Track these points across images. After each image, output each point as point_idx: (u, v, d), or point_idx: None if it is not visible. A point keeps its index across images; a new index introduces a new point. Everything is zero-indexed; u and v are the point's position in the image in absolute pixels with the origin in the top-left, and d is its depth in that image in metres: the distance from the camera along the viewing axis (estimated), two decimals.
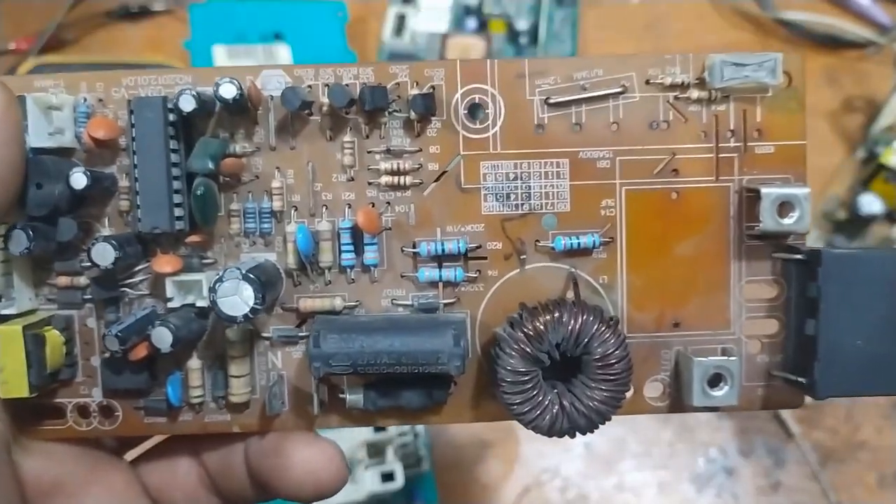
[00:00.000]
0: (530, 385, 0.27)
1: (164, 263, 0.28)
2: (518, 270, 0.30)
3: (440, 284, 0.29)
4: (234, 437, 0.31)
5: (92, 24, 0.69)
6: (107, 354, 0.29)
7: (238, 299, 0.26)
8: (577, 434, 0.28)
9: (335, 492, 0.30)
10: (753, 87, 0.29)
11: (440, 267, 0.29)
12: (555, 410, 0.28)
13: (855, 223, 0.60)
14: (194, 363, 0.29)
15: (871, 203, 0.59)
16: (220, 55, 0.62)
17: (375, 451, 0.55)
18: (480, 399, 0.30)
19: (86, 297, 0.29)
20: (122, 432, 0.30)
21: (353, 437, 0.55)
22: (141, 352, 0.28)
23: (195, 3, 0.64)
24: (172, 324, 0.27)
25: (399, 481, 0.53)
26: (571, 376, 0.28)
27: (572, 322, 0.27)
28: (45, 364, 0.27)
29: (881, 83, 0.64)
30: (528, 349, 0.27)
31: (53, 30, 0.66)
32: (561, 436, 0.28)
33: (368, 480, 0.52)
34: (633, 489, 0.57)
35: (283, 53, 0.63)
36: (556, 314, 0.27)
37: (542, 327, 0.27)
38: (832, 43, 0.66)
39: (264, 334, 0.30)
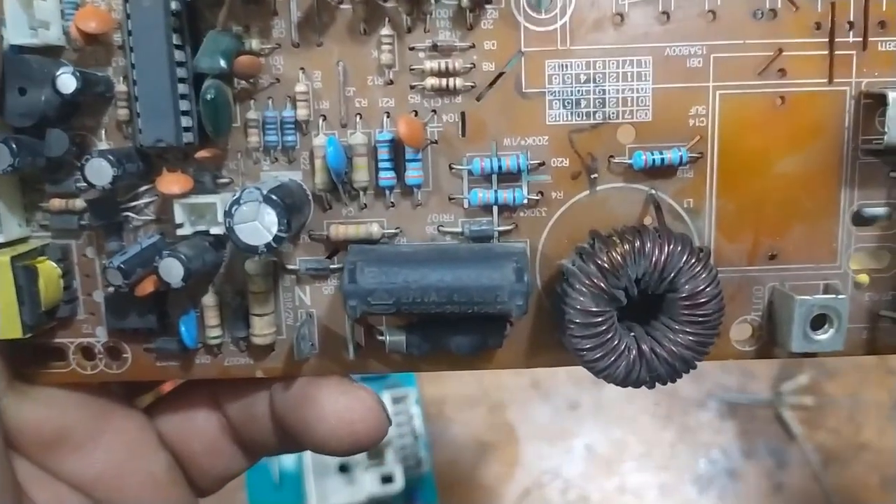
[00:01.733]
0: (604, 327, 0.23)
1: (171, 183, 0.23)
2: (587, 192, 0.25)
3: (495, 208, 0.25)
4: (258, 383, 0.27)
5: None
6: (110, 289, 0.25)
7: (259, 225, 0.22)
8: (657, 384, 0.24)
9: (374, 444, 0.26)
10: None
11: (495, 188, 0.25)
12: (632, 357, 0.23)
13: None
14: (210, 300, 0.25)
15: None
16: None
17: (375, 452, 0.54)
18: (538, 343, 0.26)
19: (83, 223, 0.25)
20: (132, 376, 0.26)
21: None
22: (148, 286, 0.24)
23: None
24: (183, 254, 0.23)
25: (399, 483, 0.52)
26: (651, 318, 0.24)
27: (656, 253, 0.23)
28: (39, 300, 0.24)
29: None
30: (602, 285, 0.23)
31: None
32: (638, 385, 0.24)
33: (368, 483, 0.52)
34: (635, 491, 0.57)
35: None
36: (637, 243, 0.23)
37: (619, 259, 0.23)
38: None
39: (290, 267, 0.25)
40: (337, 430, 0.25)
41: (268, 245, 0.22)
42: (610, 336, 0.23)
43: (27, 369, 0.26)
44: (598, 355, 0.23)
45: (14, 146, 0.22)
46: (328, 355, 0.26)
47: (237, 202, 0.22)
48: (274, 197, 0.22)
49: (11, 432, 0.25)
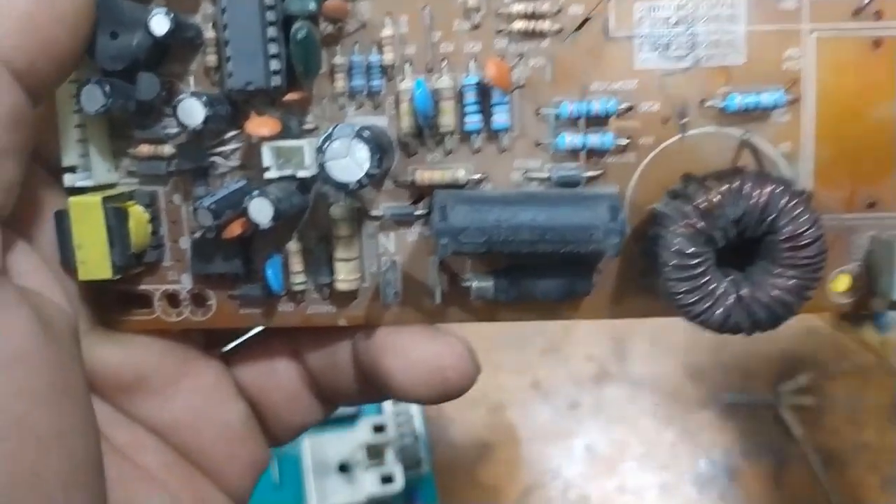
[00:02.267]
0: (701, 269, 0.22)
1: (260, 125, 0.23)
2: (678, 137, 0.24)
3: (582, 153, 0.24)
4: (339, 332, 0.27)
5: None
6: (196, 235, 0.25)
7: (351, 162, 0.22)
8: (756, 330, 0.23)
9: (464, 391, 0.26)
10: None
11: (584, 132, 0.24)
12: (729, 301, 0.23)
13: None
14: (294, 245, 0.25)
15: None
16: None
17: (375, 452, 0.54)
18: (624, 292, 0.26)
19: (171, 169, 0.25)
20: (216, 323, 0.26)
21: (351, 440, 0.54)
22: (236, 228, 0.24)
23: None
24: (273, 194, 0.23)
25: (399, 483, 0.52)
26: (747, 265, 0.23)
27: (756, 193, 0.22)
28: (128, 242, 0.24)
29: None
30: (699, 226, 0.22)
31: None
32: (735, 332, 0.23)
33: (368, 483, 0.52)
34: (635, 491, 0.56)
35: None
36: (736, 184, 0.22)
37: (718, 199, 0.22)
38: None
39: (373, 213, 0.25)
40: (426, 377, 0.25)
41: (360, 181, 0.22)
42: (707, 279, 0.23)
43: (112, 315, 0.26)
44: (693, 298, 0.23)
45: (107, 88, 0.23)
46: (411, 303, 0.26)
47: (329, 138, 0.22)
48: (366, 133, 0.22)
49: (92, 374, 0.25)
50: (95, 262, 0.23)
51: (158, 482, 0.25)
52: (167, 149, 0.25)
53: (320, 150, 0.22)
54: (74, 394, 0.22)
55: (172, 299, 0.26)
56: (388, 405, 0.56)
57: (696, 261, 0.22)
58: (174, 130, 0.25)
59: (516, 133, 0.25)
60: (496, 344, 0.59)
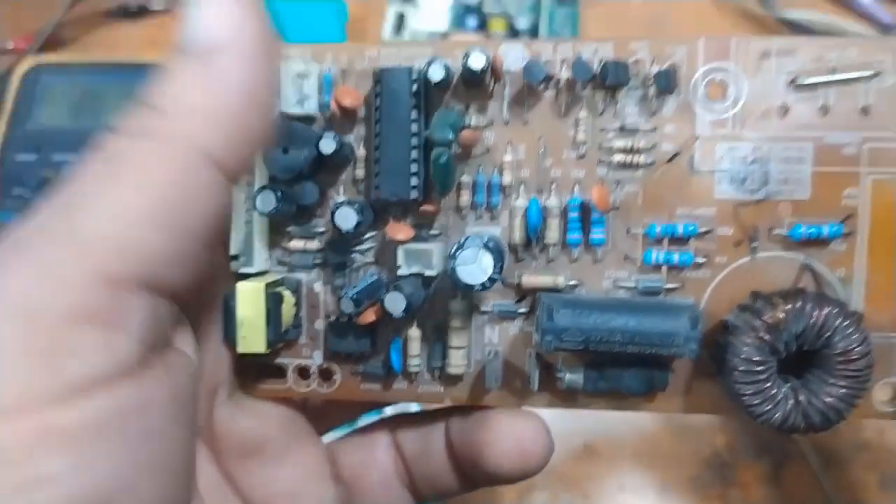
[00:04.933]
0: (764, 376, 0.26)
1: (398, 231, 0.28)
2: (748, 258, 0.29)
3: (665, 268, 0.29)
4: (435, 418, 0.31)
5: (91, 24, 0.69)
6: (332, 318, 0.30)
7: (477, 268, 0.26)
8: (810, 431, 0.27)
9: (541, 466, 0.29)
10: None
11: (667, 250, 0.29)
12: (789, 405, 0.26)
13: None
14: (414, 332, 0.30)
15: None
16: None
17: None
18: (694, 389, 0.29)
19: (316, 260, 0.30)
20: (339, 395, 0.31)
21: None
22: (370, 316, 0.28)
23: None
24: (406, 290, 0.27)
25: None
26: (803, 373, 0.27)
27: (816, 313, 0.26)
28: (281, 322, 0.28)
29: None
30: (766, 337, 0.26)
31: (52, 29, 0.66)
32: (792, 433, 0.27)
33: None
34: (634, 490, 0.56)
35: None
36: (799, 304, 0.26)
37: (782, 316, 0.26)
38: None
39: (483, 308, 0.30)
40: (510, 450, 0.29)
41: (483, 284, 0.26)
42: (769, 384, 0.26)
43: (251, 383, 0.31)
44: (757, 401, 0.26)
45: (279, 193, 0.28)
46: (509, 389, 0.30)
47: (461, 247, 0.26)
48: (492, 244, 0.26)
49: (218, 437, 0.29)
50: (253, 337, 0.28)
51: None
52: (315, 244, 0.30)
53: (452, 256, 0.26)
54: (183, 469, 0.23)
55: (303, 372, 0.31)
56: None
57: (761, 368, 0.26)
58: (322, 229, 0.30)
59: (609, 247, 0.29)
60: None
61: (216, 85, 0.22)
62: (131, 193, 0.21)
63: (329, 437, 0.33)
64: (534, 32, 0.67)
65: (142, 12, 0.70)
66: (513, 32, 0.67)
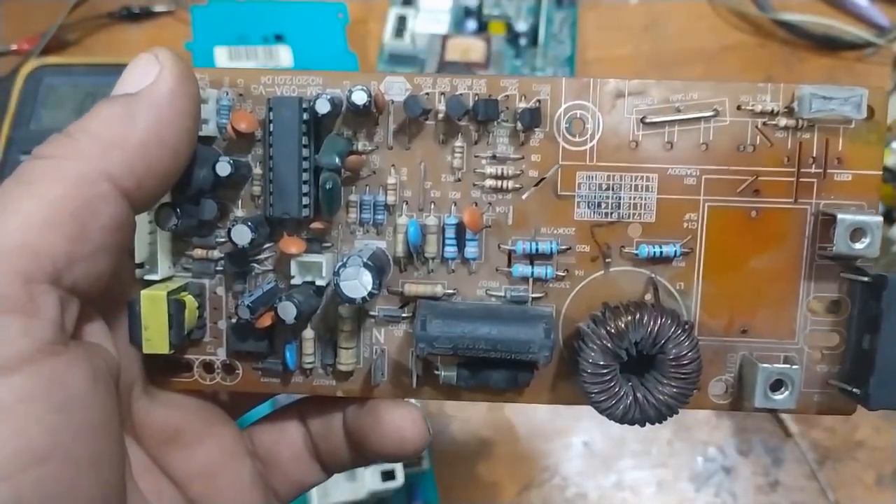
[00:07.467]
0: (609, 377, 0.30)
1: (291, 245, 0.31)
2: (602, 272, 0.33)
3: (531, 280, 0.33)
4: (336, 403, 0.34)
5: (94, 26, 0.70)
6: (233, 320, 0.33)
7: (358, 283, 0.29)
8: (647, 423, 0.31)
9: (419, 451, 0.33)
10: (838, 118, 0.31)
11: (532, 264, 0.32)
12: (628, 401, 0.31)
13: None
14: (308, 333, 0.33)
15: None
16: (222, 56, 0.62)
17: None
18: (558, 384, 0.34)
19: (218, 268, 0.33)
20: (241, 388, 0.34)
21: None
22: (266, 321, 0.31)
23: (196, 5, 0.64)
24: (297, 299, 0.30)
25: (399, 480, 0.53)
26: (644, 371, 0.31)
27: (651, 324, 0.30)
28: (183, 326, 0.31)
29: (879, 84, 0.64)
30: (609, 345, 0.30)
31: (55, 31, 0.66)
32: (632, 424, 0.31)
33: (369, 479, 0.53)
34: (632, 487, 0.58)
35: (285, 55, 0.63)
36: (637, 315, 0.30)
37: (623, 326, 0.30)
38: (830, 44, 0.66)
39: (371, 313, 0.33)
40: (390, 435, 0.33)
41: (363, 298, 0.29)
42: (613, 384, 0.31)
43: (161, 377, 0.34)
44: (602, 398, 0.31)
45: (178, 210, 0.30)
46: (393, 383, 0.34)
47: (343, 265, 0.29)
48: (371, 263, 0.29)
49: (138, 427, 0.32)
50: (157, 340, 0.31)
51: None
52: (216, 253, 0.33)
53: (336, 273, 0.29)
54: (110, 431, 0.26)
55: (208, 367, 0.34)
56: None
57: (605, 370, 0.30)
58: (223, 239, 0.32)
59: (482, 261, 0.33)
60: None
61: (125, 121, 0.26)
62: (35, 203, 0.24)
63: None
64: (533, 35, 0.67)
65: (145, 14, 0.70)
66: (512, 35, 0.67)
